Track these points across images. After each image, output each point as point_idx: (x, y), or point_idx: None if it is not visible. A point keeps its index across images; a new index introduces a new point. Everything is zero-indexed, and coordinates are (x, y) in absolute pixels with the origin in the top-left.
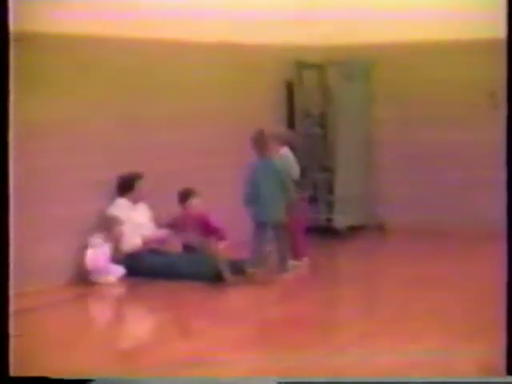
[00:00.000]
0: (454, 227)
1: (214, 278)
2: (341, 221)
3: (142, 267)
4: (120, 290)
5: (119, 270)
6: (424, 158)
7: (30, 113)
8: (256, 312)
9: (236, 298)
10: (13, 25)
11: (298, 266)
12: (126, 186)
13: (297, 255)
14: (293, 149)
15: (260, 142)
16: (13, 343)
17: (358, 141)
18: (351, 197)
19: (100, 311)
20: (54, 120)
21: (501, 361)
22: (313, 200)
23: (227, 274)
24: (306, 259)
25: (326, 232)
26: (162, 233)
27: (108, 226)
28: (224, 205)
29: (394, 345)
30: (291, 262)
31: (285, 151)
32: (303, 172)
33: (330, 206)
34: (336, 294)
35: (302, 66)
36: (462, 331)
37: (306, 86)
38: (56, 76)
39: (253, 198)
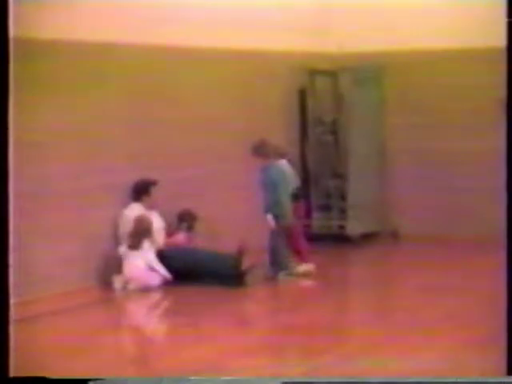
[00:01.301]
0: (468, 234)
1: (235, 280)
2: (354, 228)
3: (171, 265)
4: (137, 295)
5: (158, 277)
6: (437, 164)
7: (44, 119)
8: (271, 317)
9: (251, 303)
10: (24, 32)
11: (308, 271)
12: (142, 191)
13: (303, 260)
14: (289, 161)
15: (262, 150)
16: (15, 336)
17: (370, 147)
18: (364, 204)
19: (115, 316)
20: (66, 126)
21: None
22: (325, 207)
23: (248, 276)
24: (311, 264)
25: (338, 239)
26: (179, 238)
27: (142, 230)
28: (237, 210)
29: (406, 352)
30: (302, 266)
31: (283, 162)
32: (315, 179)
33: (342, 213)
34: (348, 300)
35: (314, 72)
36: (475, 338)
37: (319, 93)
38: (69, 82)
39: (272, 203)
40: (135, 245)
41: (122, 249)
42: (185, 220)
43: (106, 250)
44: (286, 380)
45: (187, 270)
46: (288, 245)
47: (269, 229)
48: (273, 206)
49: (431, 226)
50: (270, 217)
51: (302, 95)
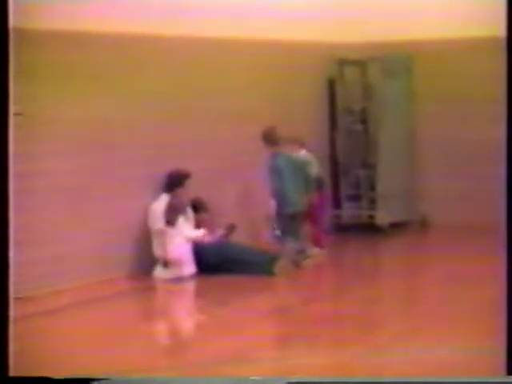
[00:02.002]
0: (497, 223)
1: (268, 271)
2: (383, 217)
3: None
4: (166, 286)
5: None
6: (466, 153)
7: (70, 111)
8: (296, 308)
9: (276, 293)
10: (50, 24)
11: (319, 255)
12: (175, 183)
13: (317, 245)
14: (309, 151)
15: (271, 137)
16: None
17: (399, 137)
18: (393, 193)
19: (147, 306)
20: (92, 118)
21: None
22: (355, 197)
23: (279, 267)
24: (324, 249)
25: (368, 229)
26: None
27: (178, 204)
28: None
29: (434, 343)
30: (313, 250)
31: (304, 152)
32: (345, 169)
33: (372, 202)
34: (377, 291)
35: (343, 62)
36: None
37: (348, 83)
38: (96, 74)
39: (280, 191)
40: (172, 220)
41: (160, 225)
42: (200, 209)
43: (136, 240)
44: (290, 380)
45: (221, 263)
46: (300, 230)
47: (272, 214)
48: (276, 193)
49: (460, 215)
50: (272, 202)
51: (332, 85)
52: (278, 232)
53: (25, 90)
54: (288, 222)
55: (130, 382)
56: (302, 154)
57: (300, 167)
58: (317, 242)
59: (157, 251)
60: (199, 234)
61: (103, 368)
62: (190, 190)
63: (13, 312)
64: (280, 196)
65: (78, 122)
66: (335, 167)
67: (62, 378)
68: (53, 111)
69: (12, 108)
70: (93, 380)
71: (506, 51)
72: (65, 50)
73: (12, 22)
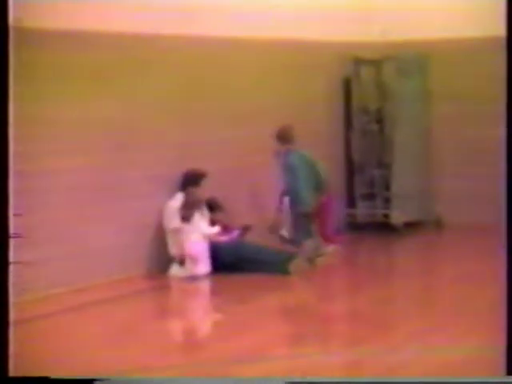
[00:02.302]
0: None
1: (283, 270)
2: (398, 217)
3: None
4: (182, 284)
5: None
6: (482, 153)
7: (74, 111)
8: (311, 307)
9: (291, 292)
10: (52, 23)
11: (333, 252)
12: (191, 182)
13: (327, 242)
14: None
15: (285, 135)
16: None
17: (415, 136)
18: (408, 193)
19: (162, 305)
20: (107, 118)
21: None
22: (370, 196)
23: (295, 266)
24: (334, 247)
25: (382, 228)
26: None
27: (194, 200)
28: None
29: (448, 342)
30: (327, 248)
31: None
32: (360, 168)
33: (387, 201)
34: (391, 290)
35: (358, 61)
36: None
37: (363, 82)
38: (110, 74)
39: (294, 188)
40: (188, 216)
41: (175, 223)
42: (215, 209)
43: (153, 239)
44: (289, 380)
45: (236, 262)
46: (313, 229)
47: (285, 212)
48: (290, 191)
49: (475, 215)
50: (286, 200)
51: (347, 85)
52: (284, 232)
53: (26, 90)
54: (302, 220)
55: (131, 382)
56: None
57: (312, 165)
58: (328, 241)
59: (172, 250)
60: (215, 230)
61: (117, 367)
62: (206, 190)
63: (13, 314)
64: (294, 194)
65: (87, 121)
66: (350, 166)
67: (63, 378)
68: (55, 111)
69: (12, 108)
70: (93, 380)
71: (506, 51)
72: (66, 49)
73: (12, 20)
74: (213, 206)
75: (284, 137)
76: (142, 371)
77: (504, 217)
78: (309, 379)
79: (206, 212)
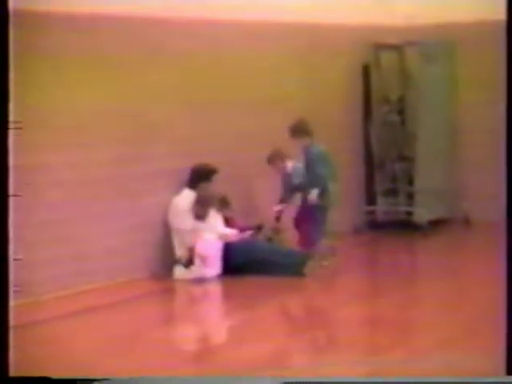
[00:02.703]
0: None
1: (298, 272)
2: (422, 214)
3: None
4: (190, 287)
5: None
6: None
7: (87, 100)
8: (329, 312)
9: (307, 295)
10: (54, 5)
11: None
12: (201, 178)
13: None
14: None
15: (302, 129)
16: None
17: (440, 127)
18: (433, 188)
19: (169, 309)
20: (108, 108)
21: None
22: (391, 192)
23: (309, 267)
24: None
25: (405, 226)
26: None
27: (208, 196)
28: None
29: (476, 348)
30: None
31: (294, 162)
32: (380, 162)
33: (409, 198)
34: (415, 293)
35: (379, 47)
36: None
37: (384, 69)
38: (117, 62)
39: (314, 179)
40: (202, 214)
41: (189, 221)
42: (224, 207)
43: (159, 239)
44: (287, 380)
45: (248, 263)
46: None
47: (310, 204)
48: (314, 181)
49: (505, 212)
50: (314, 192)
51: (366, 72)
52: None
53: (25, 77)
54: (322, 216)
55: (131, 382)
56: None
57: (329, 163)
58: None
59: (179, 250)
60: (232, 232)
61: (121, 373)
62: (216, 187)
63: (12, 318)
64: (319, 183)
65: (88, 111)
66: (370, 160)
67: (63, 378)
68: (54, 100)
69: (12, 99)
70: (93, 380)
71: (506, 53)
72: (68, 34)
73: (13, 3)
74: (222, 204)
75: (301, 129)
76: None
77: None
78: (306, 379)
79: (214, 211)
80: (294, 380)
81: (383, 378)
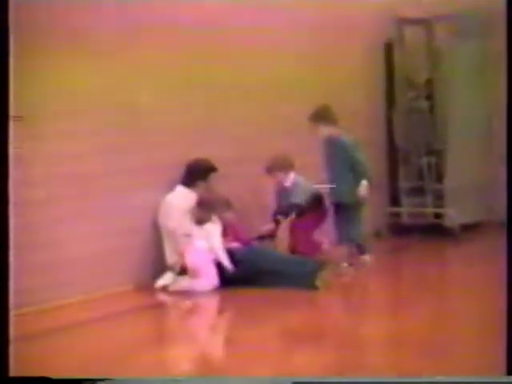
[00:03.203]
0: None
1: (309, 283)
2: (453, 217)
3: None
4: (182, 301)
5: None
6: None
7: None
8: (346, 330)
9: (320, 311)
10: None
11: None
12: (199, 176)
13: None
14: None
15: (327, 116)
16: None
17: (474, 116)
18: (466, 187)
19: (157, 328)
20: (99, 93)
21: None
22: (417, 191)
23: (323, 278)
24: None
25: (434, 231)
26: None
27: (214, 199)
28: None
29: None
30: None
31: (296, 176)
32: (405, 156)
33: (439, 198)
34: (445, 308)
35: (403, 22)
36: None
37: (409, 48)
38: (105, 44)
39: (357, 171)
40: (204, 219)
41: (187, 224)
42: (224, 208)
43: (143, 244)
44: (296, 379)
45: (250, 274)
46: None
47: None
48: (358, 171)
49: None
50: (364, 183)
51: (389, 51)
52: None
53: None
54: (355, 215)
55: (133, 382)
56: (295, 177)
57: (345, 149)
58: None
59: (172, 257)
60: (226, 261)
61: None
62: (217, 186)
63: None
64: (365, 173)
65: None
66: (393, 154)
67: (63, 378)
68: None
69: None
70: (95, 380)
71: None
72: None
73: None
74: (224, 206)
75: (323, 118)
76: None
77: None
78: (315, 379)
79: (216, 218)
80: (302, 380)
81: (383, 378)
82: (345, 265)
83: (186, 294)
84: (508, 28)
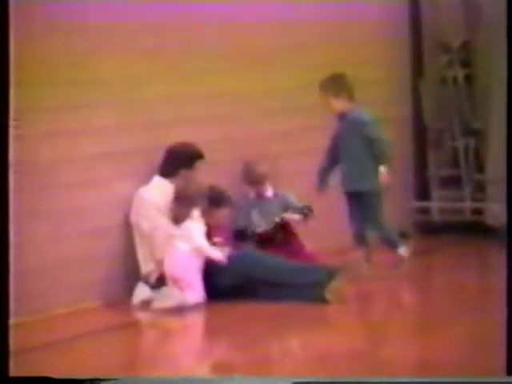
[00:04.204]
0: None
1: (317, 295)
2: (496, 213)
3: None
4: (160, 319)
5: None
6: None
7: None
8: (364, 353)
9: (331, 329)
10: None
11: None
12: (181, 163)
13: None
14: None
15: (339, 86)
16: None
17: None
18: None
19: (131, 354)
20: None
21: None
22: (452, 181)
23: (333, 289)
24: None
25: (473, 230)
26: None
27: (194, 191)
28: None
29: None
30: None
31: (283, 192)
32: (436, 138)
33: (479, 190)
34: (486, 325)
35: None
36: None
37: (441, 1)
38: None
39: (329, 163)
40: (182, 216)
41: (164, 223)
42: (218, 203)
43: (112, 250)
44: (297, 379)
45: (244, 284)
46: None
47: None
48: (378, 153)
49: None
50: (383, 168)
51: (415, 6)
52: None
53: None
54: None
55: (135, 382)
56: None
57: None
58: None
59: (146, 264)
60: (217, 253)
61: None
62: (201, 177)
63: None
64: (385, 155)
65: None
66: (421, 135)
67: (64, 377)
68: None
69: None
70: (94, 380)
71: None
72: None
73: None
74: (215, 199)
75: (334, 87)
76: None
77: None
78: (316, 379)
79: (198, 213)
80: (303, 380)
81: (383, 378)
82: (364, 267)
83: (167, 310)
84: (508, 28)
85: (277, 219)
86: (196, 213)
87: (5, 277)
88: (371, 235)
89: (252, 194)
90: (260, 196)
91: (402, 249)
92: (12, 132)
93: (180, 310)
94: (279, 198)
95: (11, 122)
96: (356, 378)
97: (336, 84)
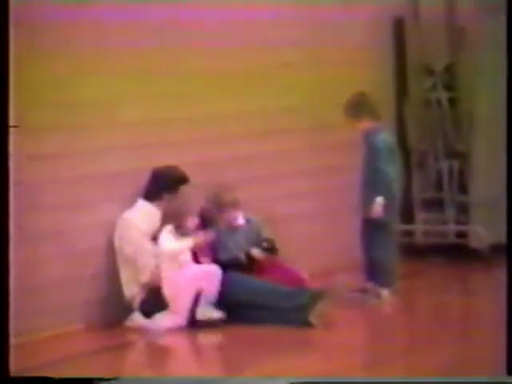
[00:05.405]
0: None
1: (301, 319)
2: (480, 235)
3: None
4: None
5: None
6: None
7: None
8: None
9: (317, 356)
10: None
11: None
12: (165, 187)
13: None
14: None
15: (363, 107)
16: None
17: (505, 110)
18: (496, 198)
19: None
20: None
21: None
22: (435, 204)
23: (318, 313)
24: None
25: (456, 253)
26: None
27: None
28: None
29: None
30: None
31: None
32: (420, 159)
33: (462, 212)
34: (474, 352)
35: None
36: None
37: (425, 25)
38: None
39: (374, 185)
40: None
41: (148, 247)
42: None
43: (98, 274)
44: (293, 380)
45: (229, 306)
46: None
47: (373, 220)
48: (378, 185)
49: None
50: (380, 200)
51: (400, 28)
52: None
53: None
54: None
55: (134, 383)
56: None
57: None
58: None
59: (129, 288)
60: (187, 242)
61: None
62: (187, 200)
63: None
64: (384, 187)
65: None
66: (405, 156)
67: (64, 377)
68: None
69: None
70: (94, 380)
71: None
72: None
73: None
74: (208, 219)
75: (362, 108)
76: None
77: None
78: (313, 379)
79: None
80: (300, 380)
81: (383, 378)
82: (354, 293)
83: (153, 332)
84: (508, 28)
85: (250, 251)
86: (168, 227)
87: (5, 271)
88: (373, 263)
89: (223, 224)
90: (231, 225)
91: (385, 291)
92: None
93: (164, 332)
94: (251, 225)
95: None
96: (356, 378)
97: (356, 107)
